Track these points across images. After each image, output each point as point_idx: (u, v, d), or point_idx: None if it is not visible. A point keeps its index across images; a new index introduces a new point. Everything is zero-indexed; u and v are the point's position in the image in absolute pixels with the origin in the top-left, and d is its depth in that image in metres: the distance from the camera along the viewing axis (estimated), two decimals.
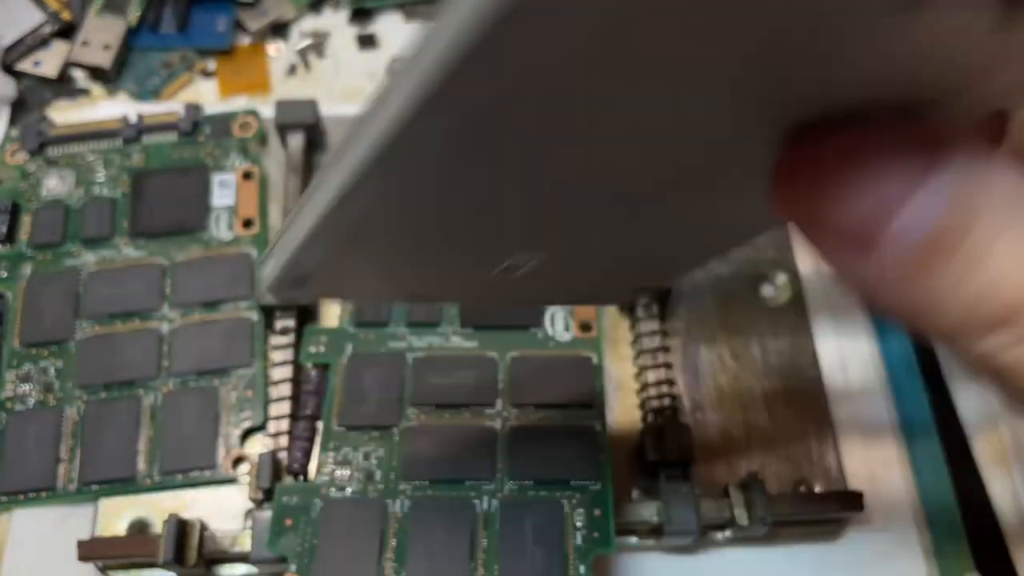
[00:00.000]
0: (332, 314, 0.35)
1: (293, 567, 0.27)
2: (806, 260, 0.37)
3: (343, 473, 0.29)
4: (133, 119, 0.38)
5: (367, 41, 0.43)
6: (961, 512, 0.33)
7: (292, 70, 0.43)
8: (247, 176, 0.37)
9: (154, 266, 0.35)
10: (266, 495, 0.30)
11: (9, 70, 0.42)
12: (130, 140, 0.38)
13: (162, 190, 0.37)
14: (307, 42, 0.43)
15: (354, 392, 0.31)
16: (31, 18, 0.42)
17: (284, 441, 0.31)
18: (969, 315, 0.14)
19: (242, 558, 0.30)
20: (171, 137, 0.38)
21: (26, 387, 0.33)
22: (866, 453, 0.34)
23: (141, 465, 0.32)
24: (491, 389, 0.31)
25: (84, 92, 0.42)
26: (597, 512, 0.28)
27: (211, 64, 0.43)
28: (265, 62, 0.43)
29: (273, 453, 0.31)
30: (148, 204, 0.36)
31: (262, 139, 0.39)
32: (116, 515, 0.31)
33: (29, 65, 0.42)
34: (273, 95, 0.42)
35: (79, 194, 0.37)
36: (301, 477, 0.30)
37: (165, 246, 0.36)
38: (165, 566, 0.29)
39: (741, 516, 0.30)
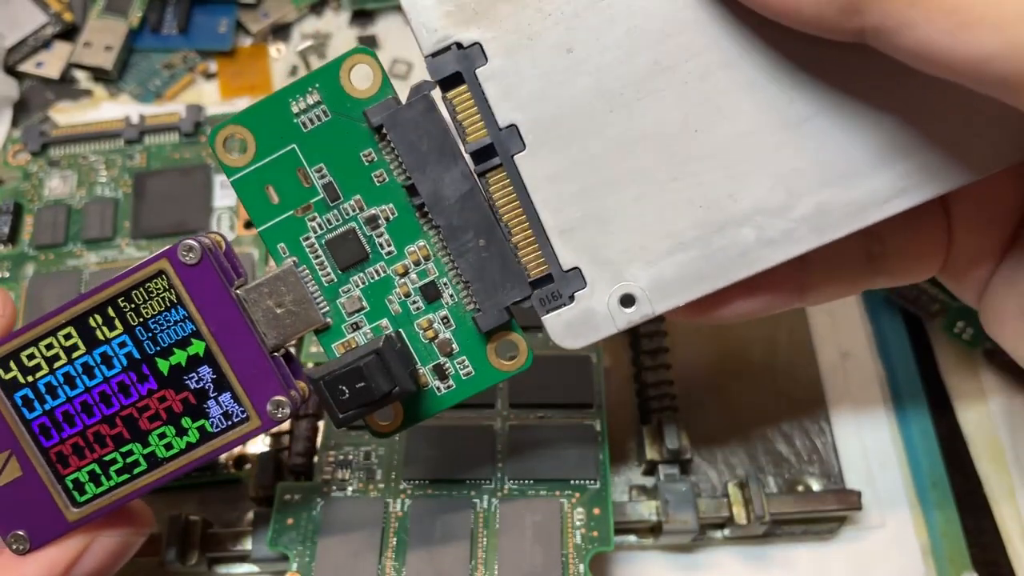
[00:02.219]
0: None
1: (294, 566, 0.27)
2: None
3: (344, 472, 0.29)
4: (135, 120, 0.38)
5: (368, 43, 0.44)
6: (959, 511, 0.33)
7: (293, 71, 0.43)
8: None
9: None
10: (268, 494, 0.30)
11: (12, 71, 0.42)
12: (132, 141, 0.38)
13: (164, 190, 0.37)
14: (308, 43, 0.43)
15: None
16: (33, 19, 0.42)
17: (285, 440, 0.32)
18: None
19: (243, 557, 0.30)
20: (173, 138, 0.38)
21: None
22: (864, 452, 0.34)
23: None
24: (491, 389, 0.31)
25: (86, 93, 0.42)
26: (597, 511, 0.28)
27: (212, 65, 0.43)
28: (266, 63, 0.43)
29: (274, 452, 0.31)
30: (150, 204, 0.37)
31: None
32: None
33: (31, 66, 0.42)
34: None
35: (81, 194, 0.37)
36: (302, 476, 0.31)
37: (167, 246, 0.36)
38: (167, 564, 0.29)
39: (739, 515, 0.30)
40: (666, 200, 0.21)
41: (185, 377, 0.23)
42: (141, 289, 0.22)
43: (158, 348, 0.22)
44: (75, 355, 0.23)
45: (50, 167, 0.38)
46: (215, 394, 0.23)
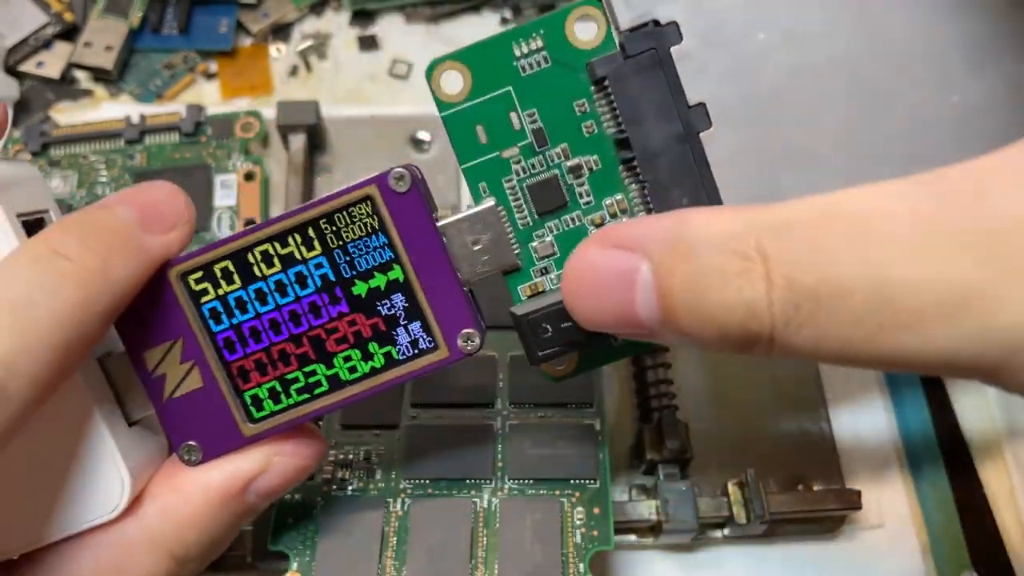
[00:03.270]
0: None
1: (294, 565, 0.27)
2: None
3: (344, 472, 0.30)
4: (135, 120, 0.38)
5: (368, 43, 0.44)
6: (958, 510, 0.33)
7: (293, 71, 0.43)
8: (249, 177, 0.37)
9: None
10: None
11: (12, 71, 0.42)
12: (132, 141, 0.38)
13: None
14: (308, 43, 0.43)
15: None
16: (34, 19, 0.42)
17: None
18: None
19: (243, 557, 0.30)
20: (173, 138, 0.38)
21: None
22: (864, 451, 0.34)
23: None
24: (491, 388, 0.31)
25: (87, 93, 0.42)
26: (596, 510, 0.28)
27: (213, 65, 0.43)
28: (267, 63, 0.43)
29: None
30: None
31: (264, 140, 0.39)
32: None
33: (32, 66, 0.42)
34: (275, 96, 0.42)
35: (81, 194, 0.37)
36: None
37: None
38: None
39: (739, 514, 0.30)
40: (841, 185, 0.22)
41: (377, 303, 0.23)
42: (344, 213, 0.22)
43: (354, 272, 0.23)
44: (269, 272, 0.23)
45: (51, 167, 0.38)
46: (405, 322, 0.23)
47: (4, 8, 0.42)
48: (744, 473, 0.30)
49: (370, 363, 0.23)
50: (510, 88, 0.23)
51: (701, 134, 0.22)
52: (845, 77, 0.22)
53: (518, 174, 0.23)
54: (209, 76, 0.43)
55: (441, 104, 0.23)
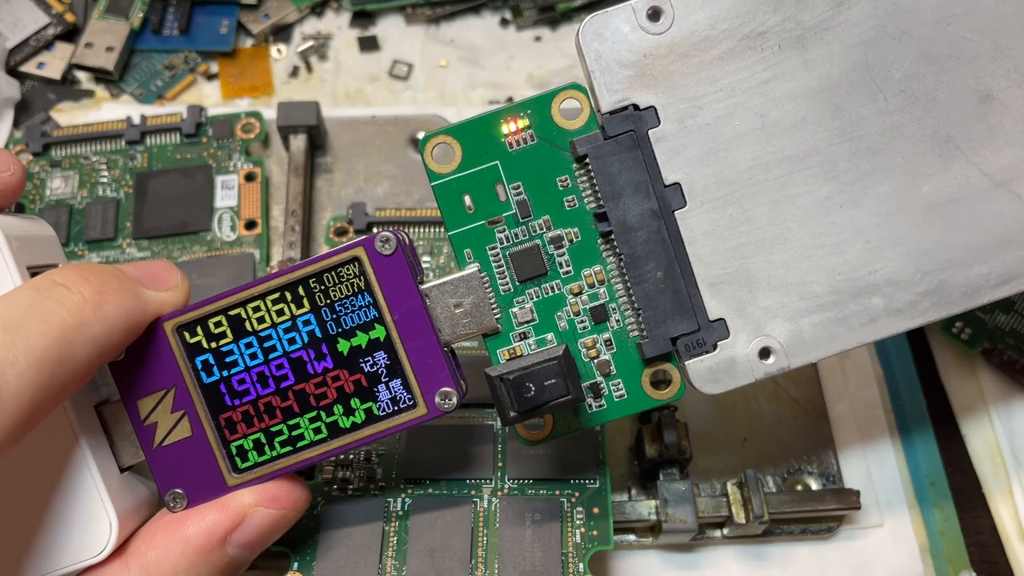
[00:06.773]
0: None
1: (294, 565, 0.27)
2: None
3: (344, 472, 0.30)
4: (136, 120, 0.38)
5: (368, 43, 0.44)
6: (957, 510, 0.33)
7: (294, 72, 0.43)
8: (249, 178, 0.37)
9: None
10: None
11: (13, 72, 0.42)
12: (133, 141, 0.38)
13: (165, 191, 0.37)
14: (309, 44, 0.43)
15: None
16: (35, 20, 0.42)
17: None
18: None
19: None
20: (174, 139, 0.38)
21: None
22: (862, 452, 0.34)
23: None
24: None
25: (88, 94, 0.42)
26: (596, 510, 0.28)
27: (214, 66, 0.43)
28: (267, 64, 0.43)
29: None
30: (151, 205, 0.37)
31: (264, 141, 0.39)
32: None
33: (33, 67, 0.42)
34: (275, 97, 0.42)
35: (83, 195, 0.37)
36: (303, 476, 0.31)
37: (168, 247, 0.36)
38: None
39: (738, 514, 0.30)
40: (809, 265, 0.24)
41: (361, 360, 0.24)
42: (333, 273, 0.23)
43: (340, 329, 0.24)
44: (260, 327, 0.24)
45: (52, 168, 0.38)
46: (387, 379, 0.24)
47: (5, 9, 0.42)
48: (743, 473, 0.31)
49: (351, 418, 0.24)
50: (497, 162, 0.24)
51: (676, 212, 0.24)
52: (815, 165, 0.23)
53: (501, 242, 0.25)
54: (210, 77, 0.43)
55: (432, 174, 0.24)
